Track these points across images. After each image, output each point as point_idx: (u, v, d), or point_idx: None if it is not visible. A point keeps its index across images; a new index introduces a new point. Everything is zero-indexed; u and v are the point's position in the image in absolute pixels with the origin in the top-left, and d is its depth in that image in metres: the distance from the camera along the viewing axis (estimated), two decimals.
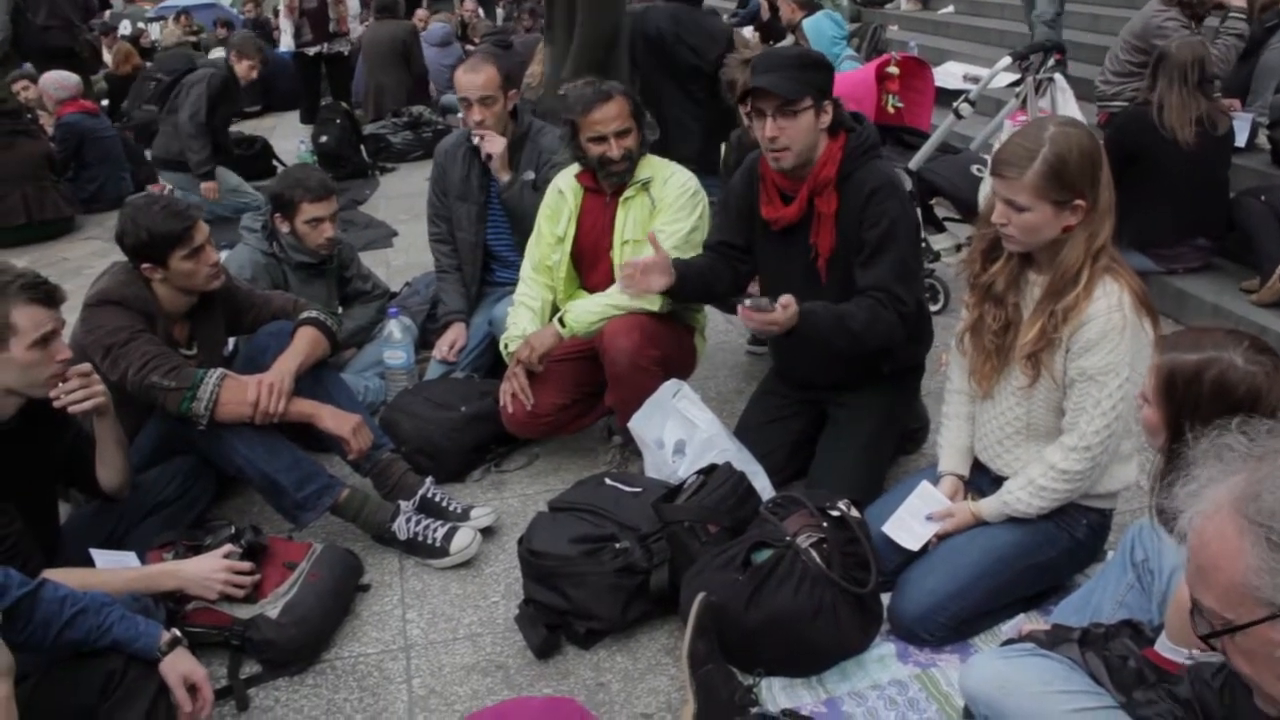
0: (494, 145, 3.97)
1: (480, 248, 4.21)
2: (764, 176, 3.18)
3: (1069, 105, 4.80)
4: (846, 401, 3.28)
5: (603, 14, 5.31)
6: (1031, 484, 2.61)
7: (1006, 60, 4.99)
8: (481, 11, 14.28)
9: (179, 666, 2.32)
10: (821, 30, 6.84)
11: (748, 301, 2.88)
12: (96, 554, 2.75)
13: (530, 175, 4.02)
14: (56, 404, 2.62)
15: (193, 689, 2.33)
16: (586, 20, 5.40)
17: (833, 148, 3.05)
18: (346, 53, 10.00)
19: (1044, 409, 2.63)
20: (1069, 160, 2.41)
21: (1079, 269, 2.47)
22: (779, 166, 3.04)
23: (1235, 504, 1.27)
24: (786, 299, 2.85)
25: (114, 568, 2.69)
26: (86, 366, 2.69)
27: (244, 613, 2.74)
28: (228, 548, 2.76)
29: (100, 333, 3.01)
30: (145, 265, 3.11)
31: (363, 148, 8.81)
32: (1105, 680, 1.97)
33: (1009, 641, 2.29)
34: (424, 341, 4.35)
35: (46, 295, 2.57)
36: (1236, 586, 1.26)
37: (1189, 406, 1.94)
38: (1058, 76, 4.88)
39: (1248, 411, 1.85)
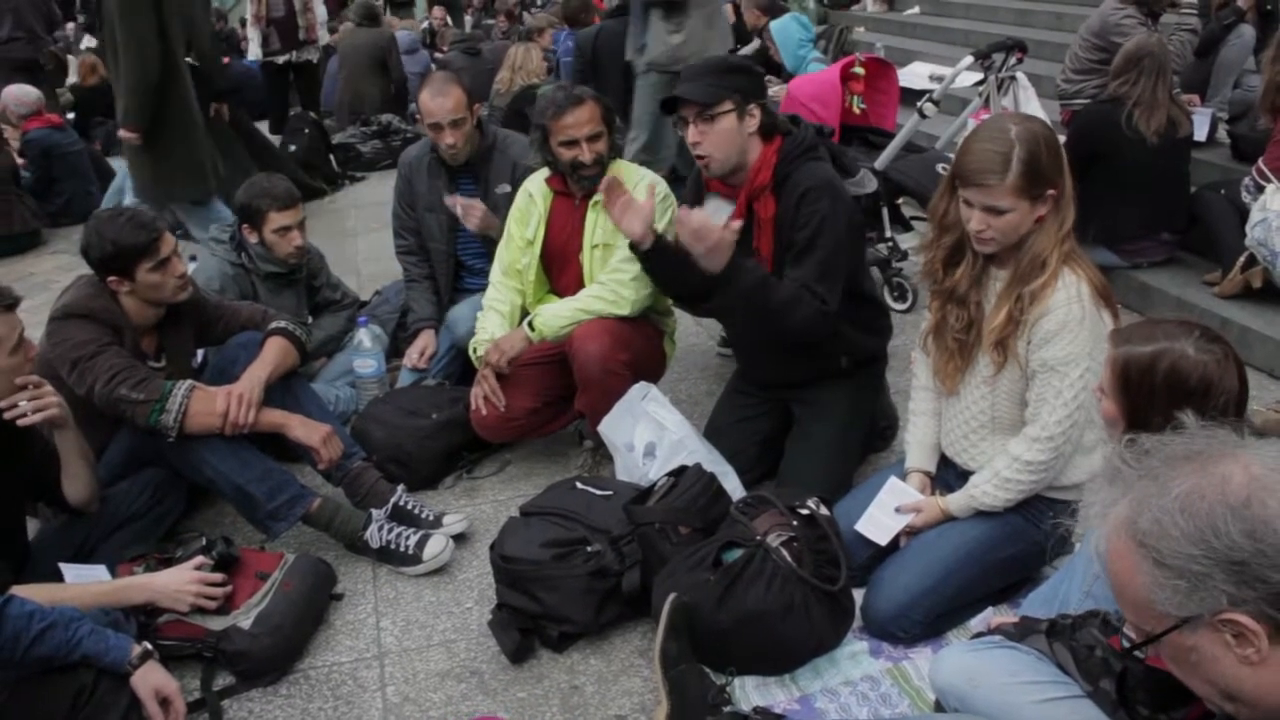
0: (472, 220, 3.95)
1: (452, 257, 4.20)
2: (707, 182, 3.22)
3: (1031, 103, 4.85)
4: (811, 399, 3.30)
5: (141, 56, 5.07)
6: (997, 476, 2.65)
7: (968, 59, 5.03)
8: (449, 19, 14.25)
9: (150, 680, 2.32)
10: (789, 33, 6.88)
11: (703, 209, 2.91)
12: (66, 568, 2.74)
13: (506, 188, 4.00)
14: (7, 416, 2.61)
15: (165, 702, 2.34)
16: (124, 63, 5.18)
17: (767, 151, 3.07)
18: (315, 60, 9.95)
19: (1008, 401, 2.66)
20: (1040, 155, 2.45)
21: (1048, 255, 2.51)
22: (708, 173, 3.09)
23: (1124, 526, 1.35)
24: (737, 222, 2.91)
25: (84, 582, 2.68)
26: (34, 378, 2.67)
27: (216, 624, 2.72)
28: (199, 559, 2.75)
29: (66, 346, 2.99)
30: (111, 278, 3.09)
31: (332, 157, 8.78)
32: (1072, 670, 1.99)
33: (978, 635, 2.31)
34: (394, 350, 4.34)
35: (13, 300, 2.57)
36: (1141, 602, 1.34)
37: (1144, 397, 1.98)
38: (1020, 74, 4.93)
39: (1201, 400, 1.90)
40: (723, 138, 2.99)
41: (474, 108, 4.02)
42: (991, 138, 2.49)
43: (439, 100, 3.92)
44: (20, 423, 2.63)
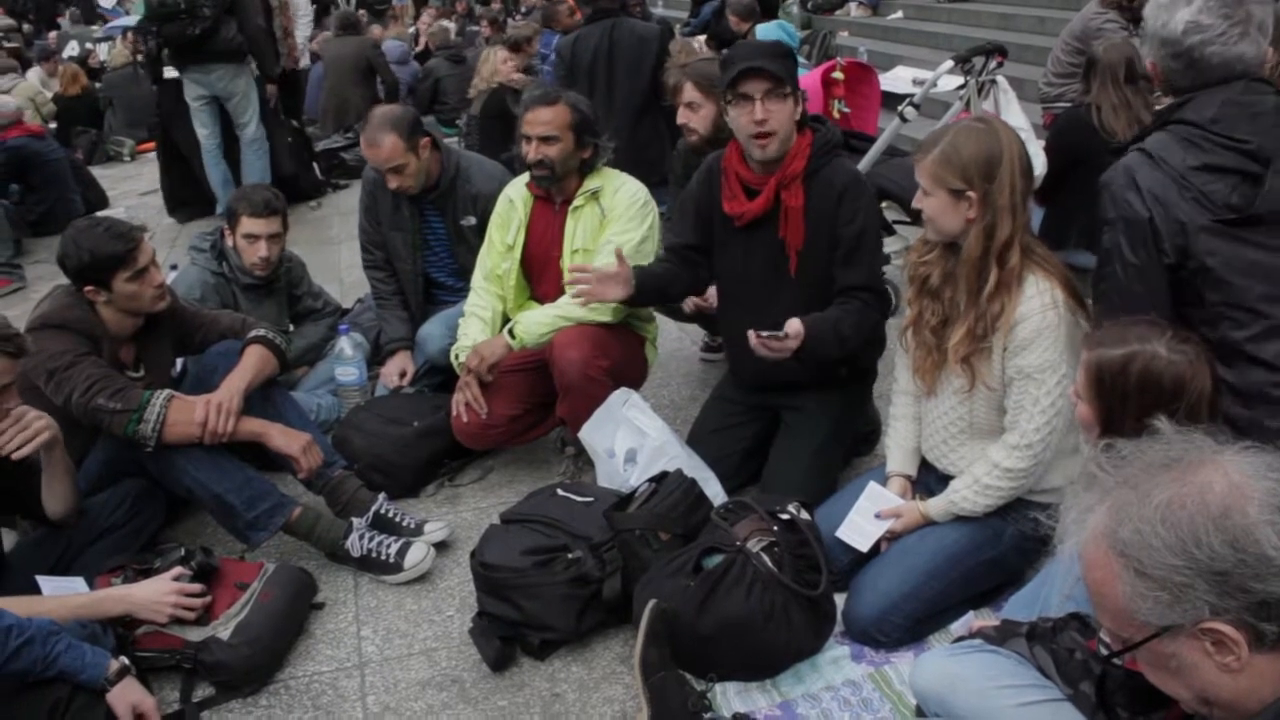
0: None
1: (421, 276, 4.16)
2: (725, 171, 3.19)
3: (1011, 106, 4.85)
4: (800, 405, 3.29)
5: None
6: (977, 483, 2.65)
7: (948, 64, 5.04)
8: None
9: (127, 696, 2.31)
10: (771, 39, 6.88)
11: (762, 333, 2.88)
12: (43, 581, 2.71)
13: (472, 221, 3.97)
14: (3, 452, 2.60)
15: (141, 718, 2.31)
16: None
17: (801, 142, 3.08)
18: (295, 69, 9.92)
19: (986, 408, 2.66)
20: (962, 150, 2.50)
21: (982, 264, 2.54)
22: (764, 155, 3.04)
23: (1104, 535, 1.35)
24: (795, 326, 2.87)
25: (61, 594, 2.66)
26: (18, 410, 2.66)
27: (195, 635, 2.70)
28: (177, 570, 2.73)
29: (42, 356, 2.96)
30: (88, 288, 3.07)
31: (315, 165, 8.74)
32: (1053, 673, 1.99)
33: (960, 639, 2.31)
34: (376, 358, 4.32)
35: (17, 349, 2.56)
36: (1121, 610, 1.34)
37: (1118, 400, 1.99)
38: (1000, 78, 4.94)
39: (1174, 400, 1.90)
40: (786, 118, 3.00)
41: (421, 144, 3.87)
42: (947, 126, 2.66)
43: (372, 150, 3.84)
44: (16, 456, 2.63)
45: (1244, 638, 1.26)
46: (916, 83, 7.14)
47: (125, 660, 2.40)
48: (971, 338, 2.58)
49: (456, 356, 3.61)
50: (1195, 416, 1.92)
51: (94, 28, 16.09)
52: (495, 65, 7.70)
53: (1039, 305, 2.50)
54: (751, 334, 2.88)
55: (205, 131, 7.12)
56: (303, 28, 10.98)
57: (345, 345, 4.06)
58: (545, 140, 3.43)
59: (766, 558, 2.57)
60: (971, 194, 2.50)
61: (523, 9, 15.50)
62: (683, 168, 4.25)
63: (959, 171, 2.50)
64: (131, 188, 9.24)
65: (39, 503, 2.83)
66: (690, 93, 3.97)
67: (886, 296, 3.13)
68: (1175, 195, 2.24)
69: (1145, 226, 2.26)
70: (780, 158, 3.06)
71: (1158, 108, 5.35)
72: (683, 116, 4.05)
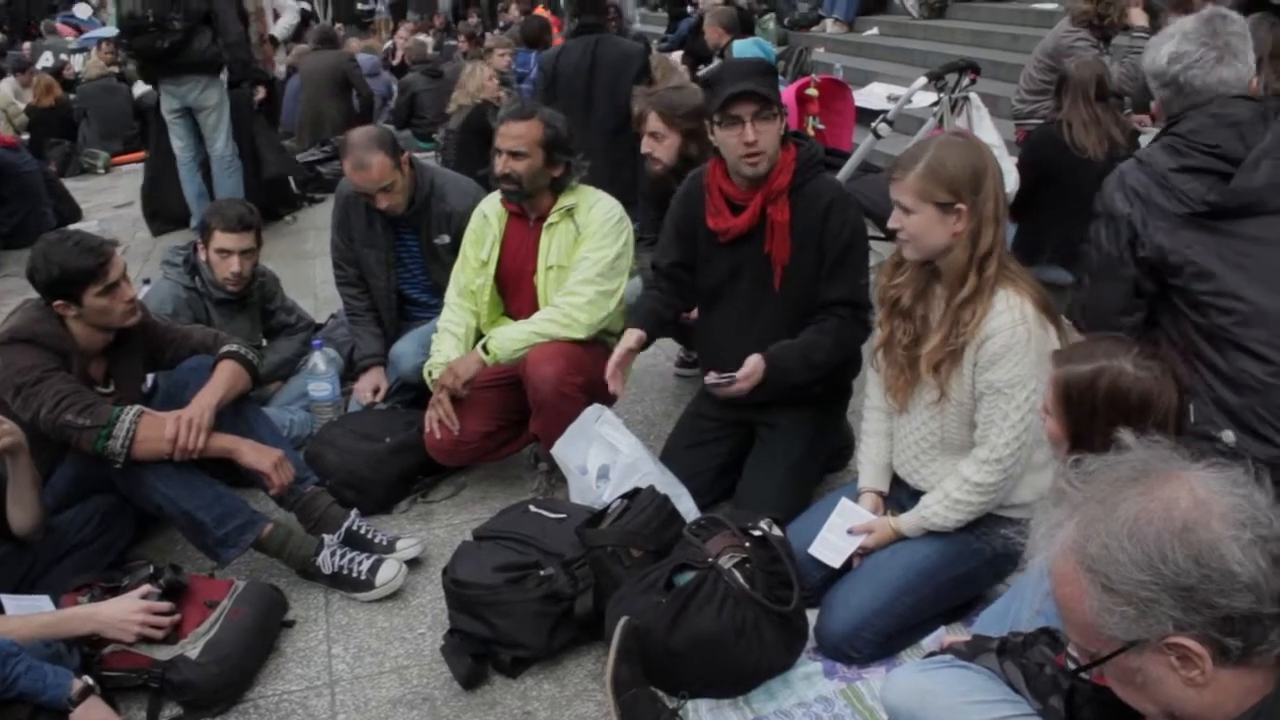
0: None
1: (394, 293, 4.14)
2: (709, 188, 3.20)
3: (984, 122, 4.90)
4: (775, 422, 3.29)
5: None
6: (947, 498, 2.65)
7: (922, 80, 5.08)
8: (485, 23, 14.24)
9: (91, 716, 2.29)
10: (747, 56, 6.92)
11: (712, 378, 3.00)
12: (7, 599, 2.68)
13: (446, 239, 3.97)
14: None
15: None
16: None
17: (786, 157, 3.10)
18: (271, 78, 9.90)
19: (957, 423, 2.67)
20: (947, 163, 2.51)
21: (964, 272, 2.55)
22: (755, 173, 3.06)
23: (1071, 550, 1.36)
24: (748, 367, 2.98)
25: (25, 613, 2.63)
26: None
27: (163, 654, 2.67)
28: (145, 588, 2.71)
29: (10, 372, 2.93)
30: (58, 302, 3.04)
31: (291, 179, 8.69)
32: (1023, 688, 1.99)
33: (931, 654, 2.31)
34: (350, 373, 4.29)
35: None
36: (1088, 625, 1.35)
37: (1086, 415, 2.01)
38: (973, 95, 4.98)
39: (1140, 416, 1.92)
40: (774, 136, 3.04)
41: (402, 160, 3.89)
42: (922, 143, 2.66)
43: (361, 174, 3.83)
44: None
45: (1208, 652, 1.27)
46: (891, 99, 7.20)
47: (89, 680, 2.37)
48: (945, 342, 2.59)
49: (430, 373, 3.59)
50: (1162, 432, 1.94)
51: (68, 38, 16.00)
52: (482, 81, 7.68)
53: (1009, 320, 2.51)
54: (710, 375, 3.00)
55: (180, 144, 7.08)
56: (289, 16, 10.97)
57: (318, 360, 4.04)
58: (514, 155, 3.43)
59: (738, 574, 2.57)
60: (961, 206, 2.51)
61: (500, 24, 15.52)
62: (651, 188, 4.26)
63: (946, 185, 2.51)
64: (106, 200, 9.18)
65: (3, 517, 2.80)
66: (654, 123, 3.97)
67: (868, 309, 3.13)
68: (1157, 193, 2.52)
69: (1123, 221, 2.56)
70: (767, 174, 3.08)
71: (1146, 128, 5.44)
72: (647, 145, 4.04)
